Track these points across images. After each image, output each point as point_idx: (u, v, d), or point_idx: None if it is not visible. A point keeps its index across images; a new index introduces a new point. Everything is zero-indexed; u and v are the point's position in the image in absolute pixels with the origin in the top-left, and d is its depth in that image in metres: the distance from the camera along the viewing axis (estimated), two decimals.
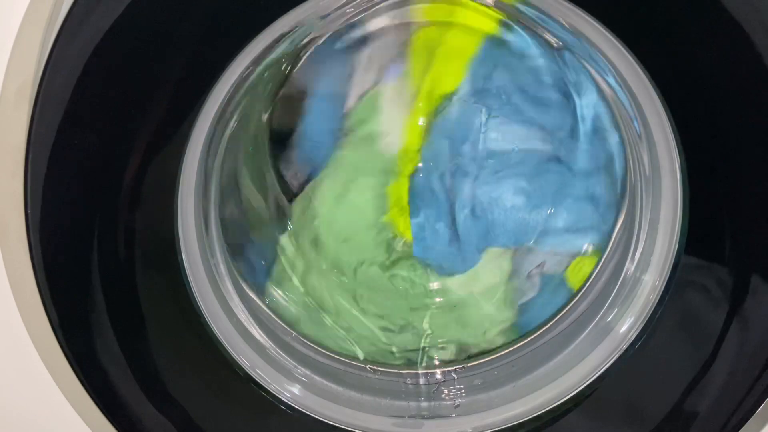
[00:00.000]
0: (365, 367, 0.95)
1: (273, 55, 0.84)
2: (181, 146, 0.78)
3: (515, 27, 0.95)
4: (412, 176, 1.01)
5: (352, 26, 0.95)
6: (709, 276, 0.81)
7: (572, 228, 1.00)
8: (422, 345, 1.00)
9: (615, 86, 0.85)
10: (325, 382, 0.90)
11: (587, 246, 0.99)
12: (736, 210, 0.79)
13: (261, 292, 0.98)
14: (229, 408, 0.85)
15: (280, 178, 1.02)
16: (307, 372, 0.90)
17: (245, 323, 0.89)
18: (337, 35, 0.95)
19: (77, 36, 0.71)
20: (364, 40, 0.97)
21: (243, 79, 0.81)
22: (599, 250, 0.97)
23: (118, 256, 0.77)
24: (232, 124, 0.88)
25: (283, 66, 0.95)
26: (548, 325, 0.96)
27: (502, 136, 0.99)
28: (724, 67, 0.74)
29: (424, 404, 0.92)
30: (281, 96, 0.98)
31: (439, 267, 1.03)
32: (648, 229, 0.86)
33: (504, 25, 0.95)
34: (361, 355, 0.97)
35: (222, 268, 0.89)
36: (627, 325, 0.86)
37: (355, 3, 0.88)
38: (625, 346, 0.85)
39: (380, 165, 1.01)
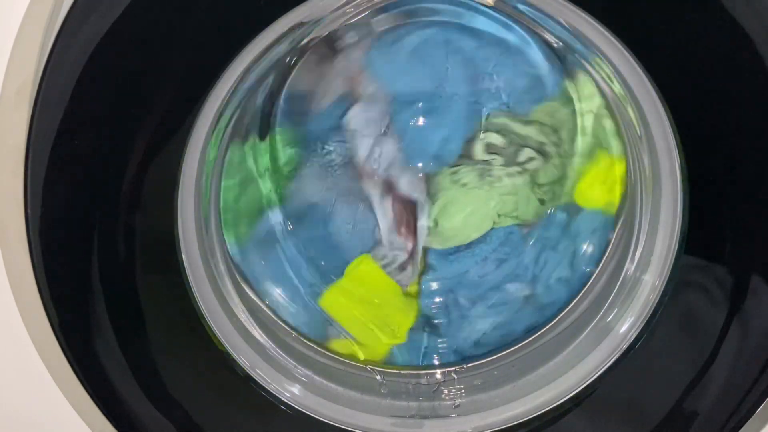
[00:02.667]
0: (365, 367, 0.95)
1: (273, 55, 0.84)
2: (181, 146, 0.78)
3: (515, 27, 0.95)
4: None
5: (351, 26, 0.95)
6: (709, 276, 0.81)
7: None
8: (423, 345, 1.00)
9: (615, 86, 0.85)
10: (325, 382, 0.90)
11: (586, 246, 0.99)
12: (736, 210, 0.79)
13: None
14: (229, 408, 0.85)
15: None
16: (307, 372, 0.90)
17: (245, 323, 0.89)
18: (336, 35, 0.95)
19: (77, 36, 0.71)
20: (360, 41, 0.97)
21: (243, 79, 0.81)
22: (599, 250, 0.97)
23: (118, 257, 0.77)
24: (232, 124, 0.88)
25: (283, 66, 0.95)
26: (548, 326, 0.96)
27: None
28: (725, 67, 0.74)
29: (425, 404, 0.92)
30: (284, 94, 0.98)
31: None
32: (648, 229, 0.86)
33: (504, 24, 0.95)
34: (361, 356, 0.97)
35: (222, 268, 0.89)
36: (627, 325, 0.86)
37: (355, 3, 0.88)
38: (625, 346, 0.86)
39: None
